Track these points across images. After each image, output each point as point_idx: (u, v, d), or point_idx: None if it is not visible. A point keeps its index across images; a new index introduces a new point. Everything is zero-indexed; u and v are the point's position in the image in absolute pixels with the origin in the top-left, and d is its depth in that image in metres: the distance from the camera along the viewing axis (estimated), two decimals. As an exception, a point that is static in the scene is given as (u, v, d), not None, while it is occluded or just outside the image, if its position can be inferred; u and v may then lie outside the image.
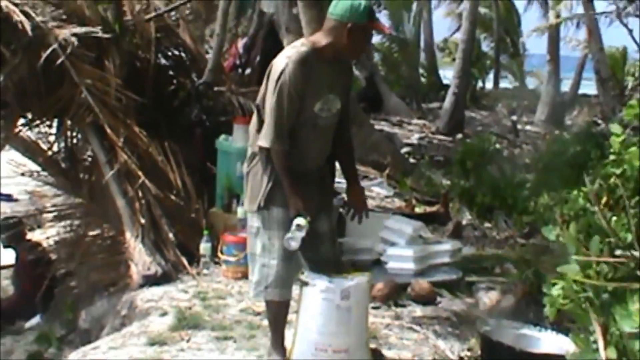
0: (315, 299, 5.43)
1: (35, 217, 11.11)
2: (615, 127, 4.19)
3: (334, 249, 5.88)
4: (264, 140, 5.36)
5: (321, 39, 5.42)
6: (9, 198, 14.56)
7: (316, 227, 5.60)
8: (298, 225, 5.34)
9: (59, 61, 8.64)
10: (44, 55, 8.53)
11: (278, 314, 5.80)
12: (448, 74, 29.47)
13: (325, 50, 5.37)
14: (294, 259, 5.62)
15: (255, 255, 5.68)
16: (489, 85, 37.41)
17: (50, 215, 10.28)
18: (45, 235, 10.45)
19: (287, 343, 5.81)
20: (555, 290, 3.84)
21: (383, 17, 32.13)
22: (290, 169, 5.41)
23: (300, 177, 5.48)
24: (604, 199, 4.05)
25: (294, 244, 5.37)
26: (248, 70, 14.09)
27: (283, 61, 5.31)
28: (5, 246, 10.50)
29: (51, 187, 10.42)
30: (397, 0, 31.85)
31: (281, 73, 5.26)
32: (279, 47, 13.39)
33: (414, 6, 33.67)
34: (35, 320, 9.83)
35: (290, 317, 5.95)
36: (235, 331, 6.71)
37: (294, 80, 5.23)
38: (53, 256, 9.98)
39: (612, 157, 4.15)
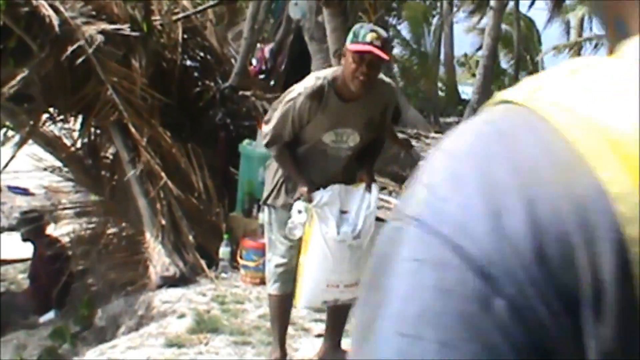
0: (329, 241, 5.46)
1: (51, 213, 11.10)
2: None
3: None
4: (264, 139, 5.67)
5: (339, 71, 5.43)
6: (25, 192, 14.60)
7: None
8: (298, 210, 5.43)
9: (84, 57, 8.63)
10: (70, 50, 8.53)
11: (280, 310, 5.92)
12: (467, 89, 29.39)
13: (341, 85, 5.37)
14: (295, 255, 5.71)
15: (266, 249, 5.95)
16: (507, 102, 37.27)
17: (67, 212, 10.28)
18: (60, 231, 10.43)
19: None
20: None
21: (403, 30, 32.14)
22: (295, 161, 5.57)
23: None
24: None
25: (297, 232, 5.51)
26: (273, 76, 14.08)
27: (299, 88, 5.44)
28: (24, 240, 10.48)
29: (68, 183, 10.39)
30: (417, 13, 31.82)
31: (292, 99, 5.40)
32: (306, 53, 13.46)
33: (435, 20, 33.60)
34: (50, 315, 9.79)
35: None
36: (253, 337, 6.70)
37: (299, 112, 5.37)
38: (71, 252, 9.97)
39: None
